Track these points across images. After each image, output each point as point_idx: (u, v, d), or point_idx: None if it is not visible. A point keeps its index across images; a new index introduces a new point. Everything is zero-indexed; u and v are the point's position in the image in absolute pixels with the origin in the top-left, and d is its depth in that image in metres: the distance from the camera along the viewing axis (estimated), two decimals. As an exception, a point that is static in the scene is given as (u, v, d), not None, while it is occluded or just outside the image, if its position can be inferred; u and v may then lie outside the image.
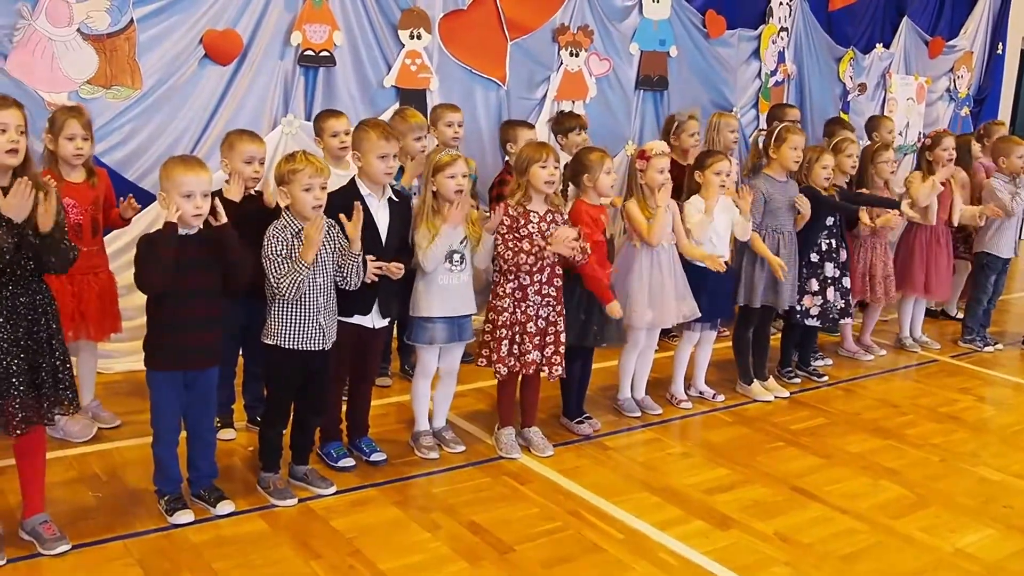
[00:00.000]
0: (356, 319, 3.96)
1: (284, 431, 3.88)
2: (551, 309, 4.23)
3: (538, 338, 4.20)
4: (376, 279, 3.87)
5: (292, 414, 3.87)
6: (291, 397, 3.81)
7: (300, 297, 3.61)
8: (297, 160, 3.61)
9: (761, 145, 5.35)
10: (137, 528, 3.47)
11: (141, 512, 3.58)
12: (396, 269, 3.91)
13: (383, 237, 3.96)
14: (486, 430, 4.56)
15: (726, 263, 4.86)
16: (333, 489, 3.86)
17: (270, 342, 3.68)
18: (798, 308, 5.38)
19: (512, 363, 4.18)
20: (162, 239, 3.30)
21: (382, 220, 3.97)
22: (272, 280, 3.58)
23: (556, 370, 4.28)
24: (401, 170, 4.81)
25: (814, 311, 5.45)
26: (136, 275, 3.38)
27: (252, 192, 4.11)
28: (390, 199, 4.02)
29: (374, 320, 4.02)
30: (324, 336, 3.70)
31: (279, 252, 3.57)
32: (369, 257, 3.83)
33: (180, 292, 3.38)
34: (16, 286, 3.12)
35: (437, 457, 4.24)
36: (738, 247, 5.14)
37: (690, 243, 4.77)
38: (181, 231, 3.39)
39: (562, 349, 4.29)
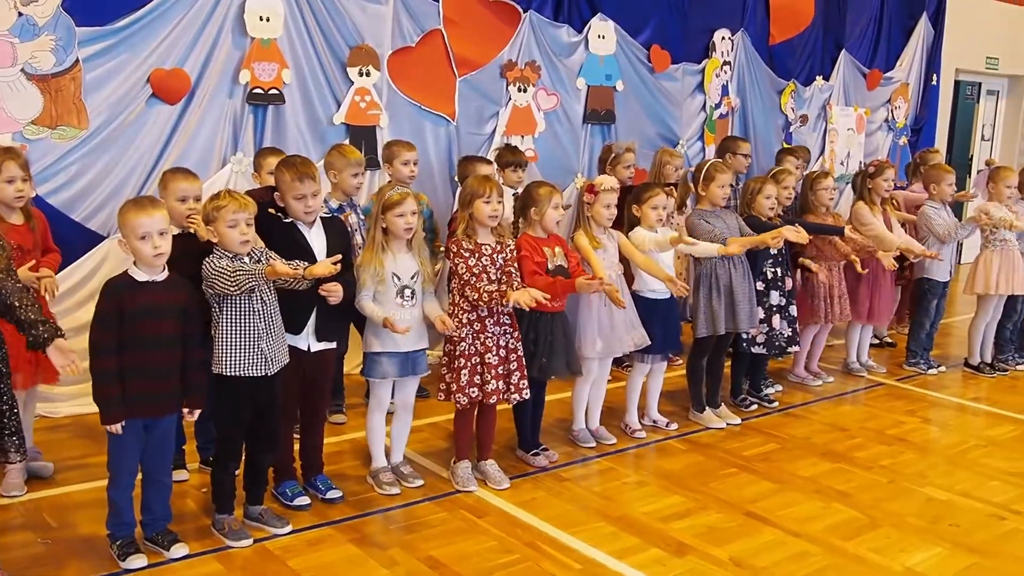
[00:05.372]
0: (287, 339, 3.87)
1: (237, 471, 3.84)
2: (509, 336, 4.26)
3: (500, 367, 4.22)
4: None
5: (244, 454, 3.84)
6: (241, 434, 3.77)
7: (240, 324, 3.60)
8: (221, 197, 3.61)
9: (691, 181, 5.44)
10: (89, 574, 3.41)
11: (93, 558, 3.52)
12: (329, 291, 3.82)
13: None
14: (442, 464, 4.56)
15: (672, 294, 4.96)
16: (289, 528, 3.82)
17: (215, 371, 3.65)
18: (744, 336, 5.46)
19: (475, 393, 4.20)
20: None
21: (318, 245, 3.93)
22: (226, 285, 3.49)
23: (524, 394, 4.30)
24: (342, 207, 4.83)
25: (760, 339, 5.53)
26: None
27: (190, 231, 3.94)
28: (322, 218, 4.00)
29: (309, 342, 3.96)
30: (267, 362, 3.67)
31: (221, 266, 3.51)
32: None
33: (139, 339, 3.35)
34: None
35: (398, 493, 4.23)
36: (692, 281, 5.21)
37: (648, 260, 4.81)
38: (142, 278, 3.38)
39: (525, 373, 4.32)
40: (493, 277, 4.18)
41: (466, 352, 4.18)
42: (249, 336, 3.63)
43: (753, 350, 5.55)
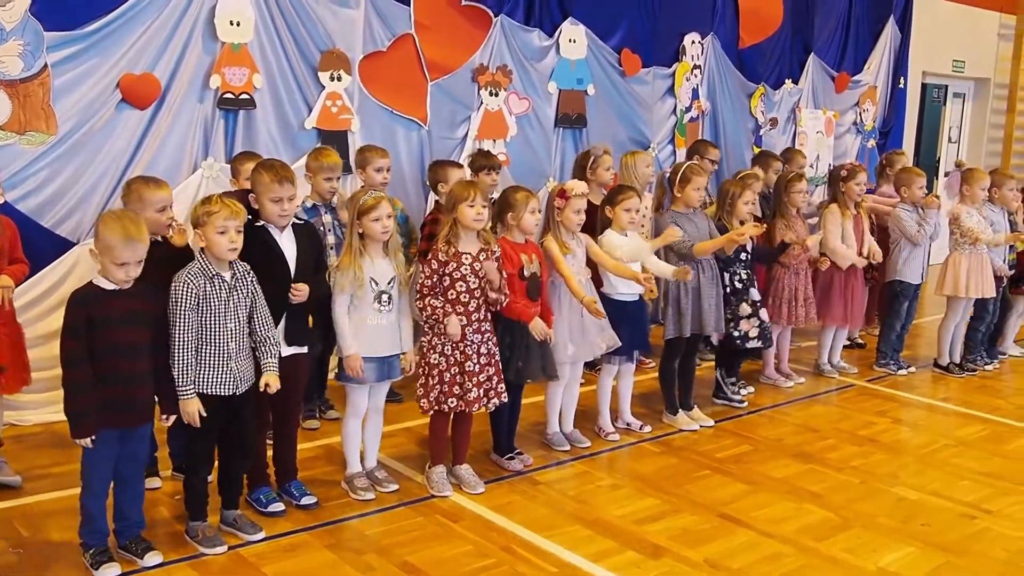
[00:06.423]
0: None
1: (208, 477, 3.81)
2: (490, 343, 4.27)
3: (481, 374, 4.22)
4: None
5: (217, 460, 3.81)
6: (211, 442, 3.74)
7: (210, 342, 3.58)
8: (213, 203, 3.59)
9: (666, 182, 5.50)
10: (61, 584, 3.38)
11: (65, 567, 3.49)
12: (297, 292, 3.89)
13: (291, 267, 3.93)
14: (417, 469, 4.55)
15: (641, 296, 4.98)
16: (263, 535, 3.80)
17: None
18: (737, 333, 5.49)
19: (453, 403, 4.19)
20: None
21: (289, 249, 3.94)
22: (175, 334, 3.51)
23: (503, 397, 4.32)
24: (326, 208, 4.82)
25: (753, 333, 5.55)
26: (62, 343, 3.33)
27: (159, 238, 3.88)
28: (294, 224, 3.99)
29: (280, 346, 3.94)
30: (236, 381, 3.65)
31: (188, 302, 3.51)
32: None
33: (109, 348, 3.32)
34: None
35: (373, 498, 4.22)
36: (662, 283, 5.24)
37: (617, 263, 4.82)
38: (109, 287, 3.35)
39: (502, 376, 4.32)
40: (473, 286, 4.17)
41: (440, 365, 4.18)
42: (220, 356, 3.59)
43: (748, 345, 5.60)
